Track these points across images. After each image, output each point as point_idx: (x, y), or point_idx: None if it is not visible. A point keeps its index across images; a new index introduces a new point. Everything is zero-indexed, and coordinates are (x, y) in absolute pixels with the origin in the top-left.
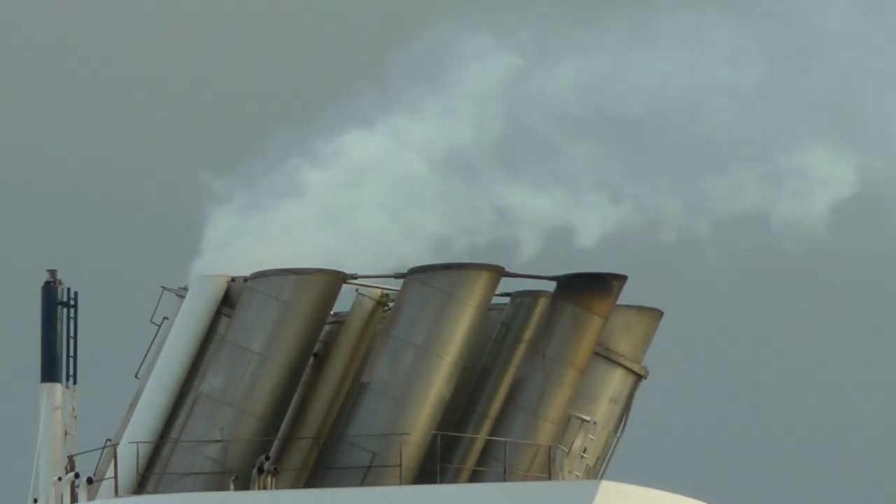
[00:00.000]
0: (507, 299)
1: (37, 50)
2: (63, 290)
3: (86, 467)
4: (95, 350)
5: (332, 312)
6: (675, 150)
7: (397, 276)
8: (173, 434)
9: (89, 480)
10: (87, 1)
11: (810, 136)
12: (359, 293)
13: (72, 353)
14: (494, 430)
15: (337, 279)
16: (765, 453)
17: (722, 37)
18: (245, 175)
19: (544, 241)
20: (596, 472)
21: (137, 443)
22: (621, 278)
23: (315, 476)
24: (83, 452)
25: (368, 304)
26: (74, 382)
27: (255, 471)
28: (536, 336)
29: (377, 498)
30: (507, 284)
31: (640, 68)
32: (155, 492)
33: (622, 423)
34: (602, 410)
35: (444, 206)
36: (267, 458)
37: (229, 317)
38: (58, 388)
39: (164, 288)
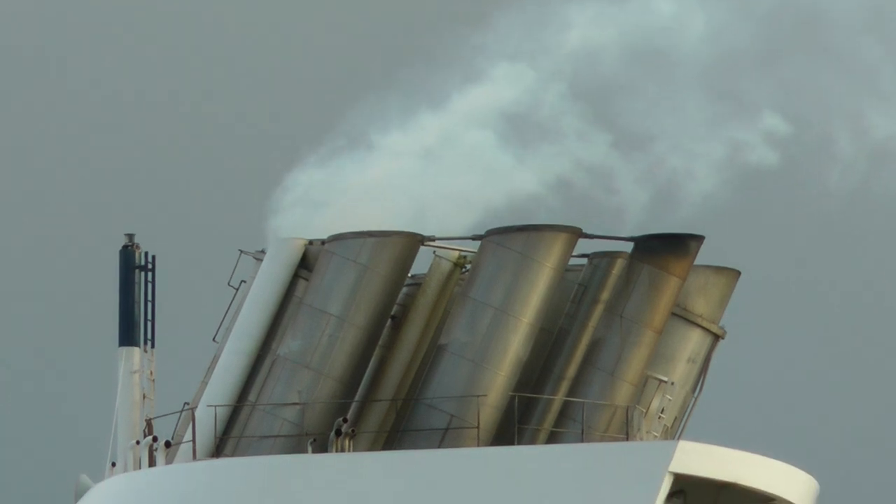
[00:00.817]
0: (584, 260)
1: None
2: (141, 254)
3: (164, 431)
4: (173, 314)
5: (409, 275)
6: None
7: (475, 237)
8: (251, 397)
9: (167, 444)
10: None
11: None
12: (436, 255)
13: (149, 317)
14: (572, 392)
15: (414, 241)
16: (843, 413)
17: None
18: (324, 136)
19: (641, 198)
20: (673, 433)
21: (215, 406)
22: (699, 238)
23: (393, 438)
24: (161, 416)
25: (446, 266)
26: (152, 346)
27: (332, 433)
28: (614, 297)
29: (455, 460)
30: (584, 246)
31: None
32: (233, 455)
33: (700, 383)
34: (680, 371)
35: (525, 165)
36: (345, 421)
37: (307, 280)
38: (136, 351)
39: (241, 251)
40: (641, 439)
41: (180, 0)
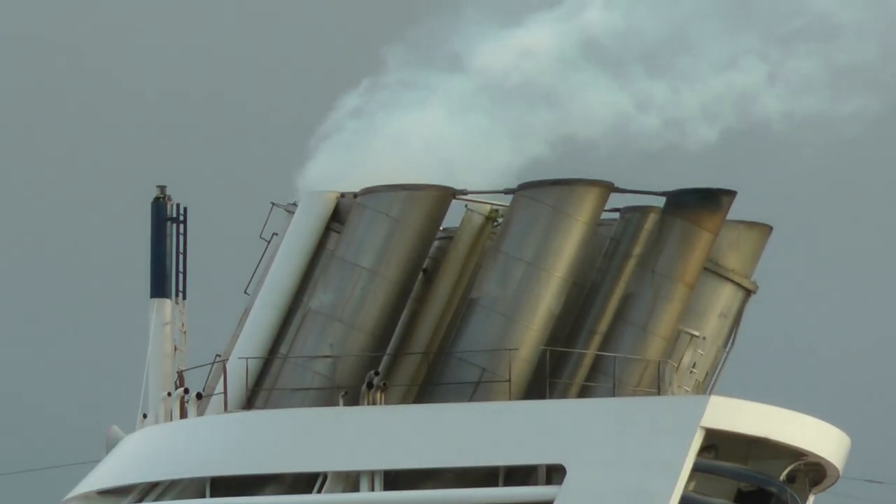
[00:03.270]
0: (616, 215)
1: None
2: (172, 206)
3: (195, 383)
4: (204, 266)
5: (441, 228)
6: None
7: (507, 191)
8: (282, 350)
9: (198, 396)
10: None
11: None
12: (468, 209)
13: (181, 269)
14: (604, 346)
15: (446, 194)
16: (875, 368)
17: None
18: (356, 87)
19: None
20: (705, 388)
21: (247, 358)
22: (731, 193)
23: (424, 391)
24: (192, 368)
25: (478, 220)
26: (184, 298)
27: (364, 386)
28: (646, 251)
29: (486, 413)
30: (616, 200)
31: None
32: (264, 407)
33: (731, 338)
34: (711, 325)
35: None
36: (376, 374)
37: (339, 232)
38: (167, 303)
39: (273, 204)
40: (673, 394)
41: None
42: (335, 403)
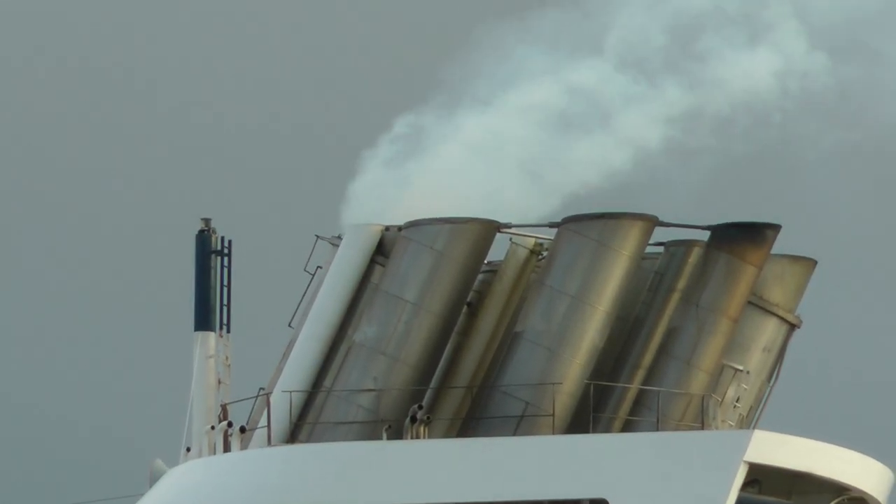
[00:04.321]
0: (660, 249)
1: None
2: (217, 238)
3: (239, 416)
4: (249, 299)
5: (485, 261)
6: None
7: (551, 225)
8: (326, 383)
9: (242, 429)
10: None
11: None
12: (513, 242)
13: (225, 302)
14: (647, 380)
15: (491, 228)
16: None
17: None
18: (400, 120)
19: None
20: (749, 422)
21: (291, 392)
22: (775, 227)
23: (468, 425)
24: (236, 401)
25: (522, 253)
26: (228, 331)
27: (408, 420)
28: (690, 285)
29: (531, 447)
30: (660, 234)
31: None
32: (308, 441)
33: (775, 372)
34: (755, 360)
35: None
36: (420, 408)
37: (383, 266)
38: (211, 336)
39: (317, 236)
40: (717, 428)
41: None
42: (379, 437)
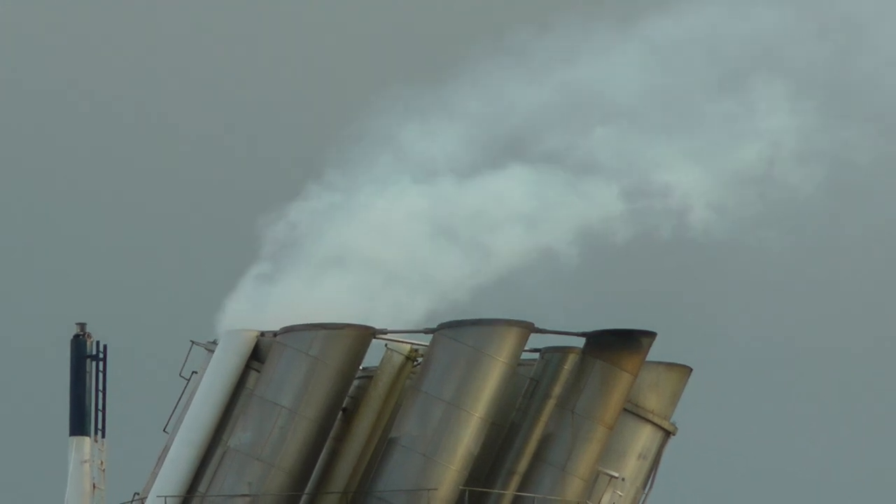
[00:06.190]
0: (536, 355)
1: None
2: (92, 343)
3: None
4: (124, 403)
5: (361, 367)
6: None
7: (427, 331)
8: (202, 488)
9: None
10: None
11: None
12: (388, 348)
13: (100, 407)
14: (523, 486)
15: (366, 334)
16: None
17: None
18: (273, 229)
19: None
20: None
21: (165, 497)
22: (650, 335)
23: None
24: None
25: (398, 359)
26: (103, 436)
27: None
28: (565, 392)
29: None
30: (536, 340)
31: None
32: None
33: (650, 479)
34: (631, 466)
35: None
36: None
37: (258, 371)
38: (86, 441)
39: (193, 342)
40: None
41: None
42: None
